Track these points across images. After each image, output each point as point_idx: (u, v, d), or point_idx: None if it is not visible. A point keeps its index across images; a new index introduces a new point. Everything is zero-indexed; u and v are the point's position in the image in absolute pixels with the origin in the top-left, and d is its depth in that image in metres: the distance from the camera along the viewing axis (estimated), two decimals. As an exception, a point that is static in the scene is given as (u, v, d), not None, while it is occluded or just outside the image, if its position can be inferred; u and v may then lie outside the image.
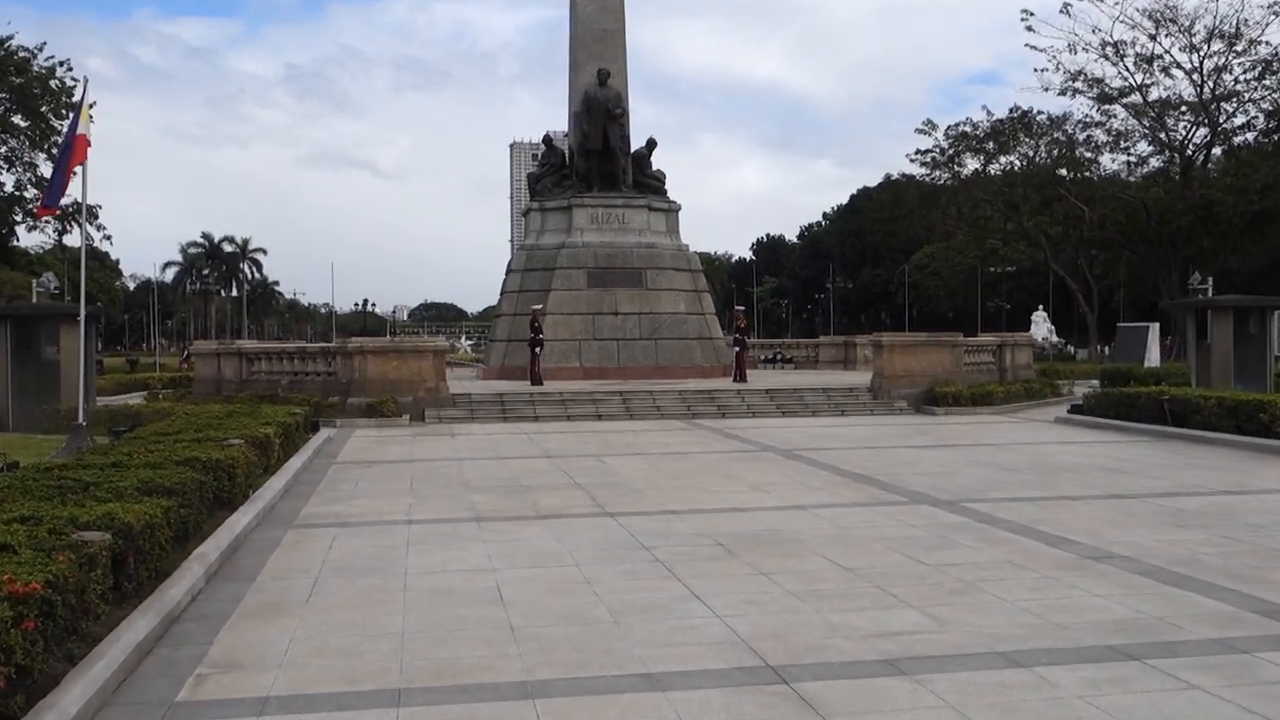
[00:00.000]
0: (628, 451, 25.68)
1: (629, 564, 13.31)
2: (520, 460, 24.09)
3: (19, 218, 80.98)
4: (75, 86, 73.52)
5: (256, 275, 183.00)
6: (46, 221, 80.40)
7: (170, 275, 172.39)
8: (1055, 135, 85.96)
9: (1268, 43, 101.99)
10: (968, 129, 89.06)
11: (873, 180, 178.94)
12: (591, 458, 24.59)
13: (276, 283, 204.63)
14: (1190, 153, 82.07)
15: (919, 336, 41.93)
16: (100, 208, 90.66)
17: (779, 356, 60.06)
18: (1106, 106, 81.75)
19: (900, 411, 36.44)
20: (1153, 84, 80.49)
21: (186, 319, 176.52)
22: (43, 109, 75.86)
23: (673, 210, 50.71)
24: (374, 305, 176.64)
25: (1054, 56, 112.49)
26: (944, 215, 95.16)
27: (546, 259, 48.32)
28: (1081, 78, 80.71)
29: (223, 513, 15.90)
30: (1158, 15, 77.60)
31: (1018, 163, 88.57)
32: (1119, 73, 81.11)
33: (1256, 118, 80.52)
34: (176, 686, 9.28)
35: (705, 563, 13.26)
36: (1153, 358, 60.29)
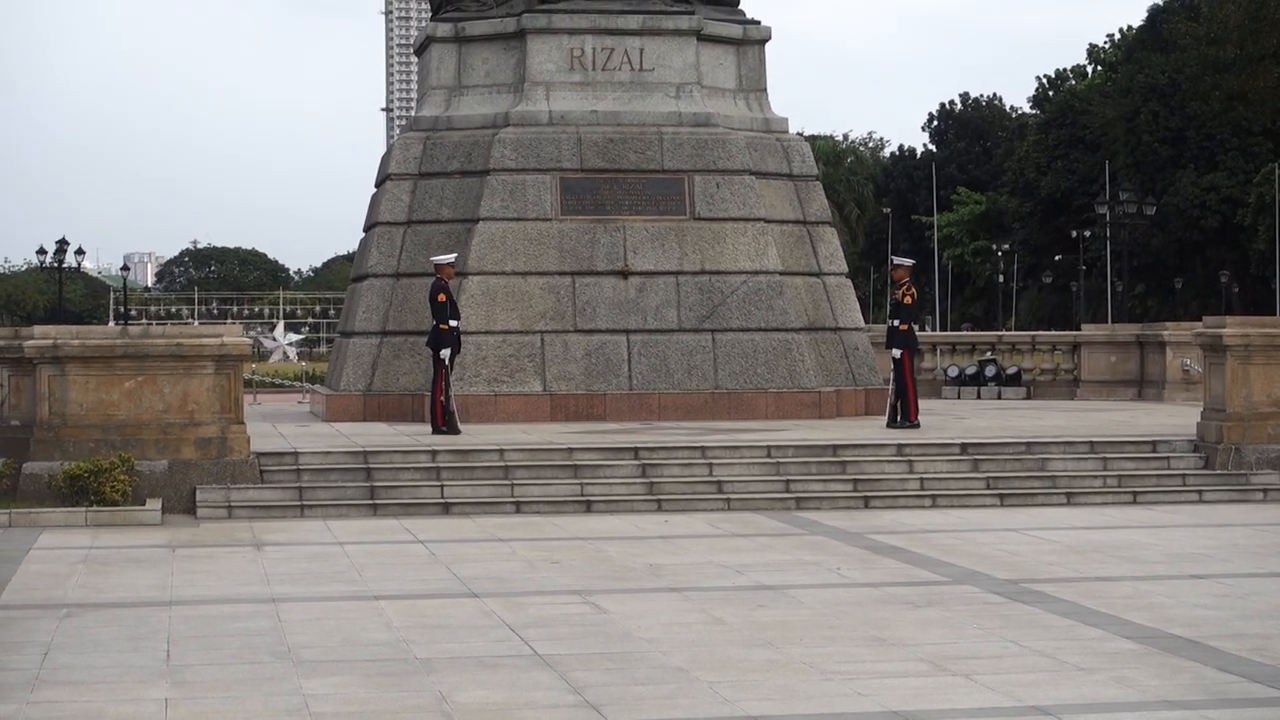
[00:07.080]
0: (652, 584, 15.46)
1: None
2: (412, 602, 14.46)
3: None
4: None
5: None
6: None
7: None
8: None
9: None
10: None
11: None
12: (572, 597, 14.66)
13: None
14: None
15: None
16: None
17: (990, 368, 36.80)
18: None
19: (1266, 493, 23.60)
20: None
21: None
22: None
23: (751, 42, 29.91)
24: (81, 254, 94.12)
25: None
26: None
27: (469, 152, 28.21)
28: None
29: None
30: None
31: None
32: None
33: None
34: None
35: None
36: None
